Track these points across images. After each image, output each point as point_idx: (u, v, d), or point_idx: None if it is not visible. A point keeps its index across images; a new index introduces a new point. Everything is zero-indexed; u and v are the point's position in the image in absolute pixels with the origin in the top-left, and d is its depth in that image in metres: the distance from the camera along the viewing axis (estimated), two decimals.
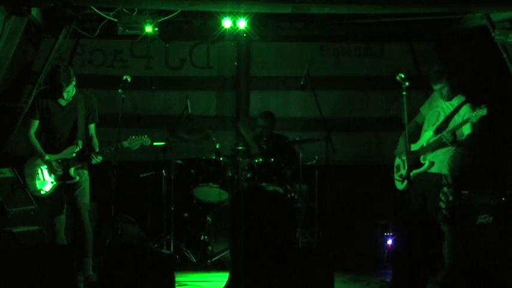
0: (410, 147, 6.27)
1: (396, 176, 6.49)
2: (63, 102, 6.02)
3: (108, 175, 6.17)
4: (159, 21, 6.62)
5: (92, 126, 6.17)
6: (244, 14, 6.96)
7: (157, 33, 6.72)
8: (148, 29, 6.58)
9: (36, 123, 6.05)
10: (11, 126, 7.36)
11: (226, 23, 7.12)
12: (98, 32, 6.89)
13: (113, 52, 8.26)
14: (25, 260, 4.03)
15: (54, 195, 6.06)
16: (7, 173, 6.44)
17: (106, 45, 8.17)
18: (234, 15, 6.96)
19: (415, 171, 6.19)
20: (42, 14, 6.99)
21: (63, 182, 6.03)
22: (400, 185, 6.38)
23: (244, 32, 7.41)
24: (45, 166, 6.02)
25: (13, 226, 6.19)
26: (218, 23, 7.30)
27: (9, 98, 7.36)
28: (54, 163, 6.00)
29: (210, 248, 6.74)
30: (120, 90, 6.18)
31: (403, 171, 6.24)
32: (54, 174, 6.01)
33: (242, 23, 7.13)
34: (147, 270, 2.69)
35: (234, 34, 7.49)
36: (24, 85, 7.56)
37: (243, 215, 2.62)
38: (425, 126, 6.35)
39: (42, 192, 6.04)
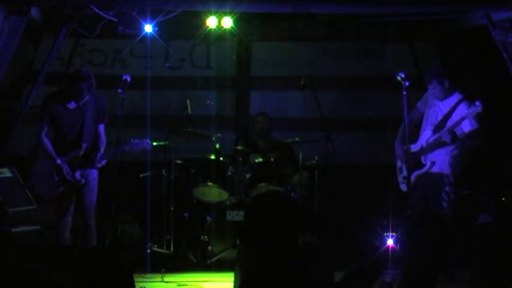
0: (410, 147, 6.28)
1: (400, 178, 6.48)
2: (72, 105, 6.03)
3: (108, 175, 6.17)
4: (159, 21, 6.62)
5: (101, 126, 6.19)
6: (246, 14, 6.94)
7: (157, 33, 6.72)
8: (148, 29, 6.57)
9: (46, 127, 6.06)
10: (11, 126, 7.36)
11: (227, 22, 7.10)
12: (97, 31, 6.89)
13: (113, 52, 8.26)
14: (25, 261, 4.02)
15: (61, 197, 6.06)
16: (7, 173, 6.43)
17: (106, 45, 8.17)
18: (235, 14, 6.94)
19: (417, 172, 6.19)
20: (42, 14, 6.98)
21: (70, 185, 6.03)
22: (405, 187, 6.37)
23: (244, 31, 7.40)
24: (56, 168, 6.01)
25: (13, 226, 6.18)
26: (219, 23, 7.28)
27: (9, 98, 7.36)
28: (65, 167, 5.98)
29: (210, 248, 6.74)
30: (119, 90, 6.18)
31: (405, 173, 6.24)
32: (65, 178, 5.99)
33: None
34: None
35: (234, 34, 7.49)
36: (24, 85, 7.56)
37: (259, 219, 2.65)
38: (424, 125, 6.34)
39: (51, 194, 6.03)
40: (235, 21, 7.19)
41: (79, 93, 5.91)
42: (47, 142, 6.03)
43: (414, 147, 6.29)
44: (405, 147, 6.16)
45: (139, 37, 6.81)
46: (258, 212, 2.68)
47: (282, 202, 2.71)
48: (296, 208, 2.74)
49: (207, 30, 7.42)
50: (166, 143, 6.95)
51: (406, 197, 6.26)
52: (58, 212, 6.07)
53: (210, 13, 7.23)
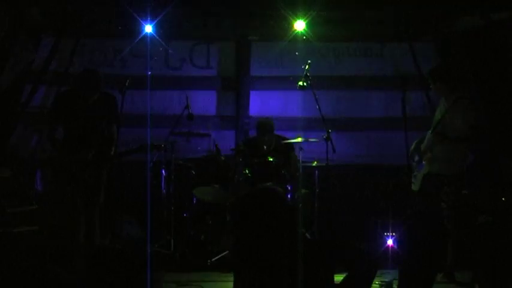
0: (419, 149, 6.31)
1: (412, 178, 6.49)
2: (82, 105, 6.04)
3: (108, 175, 6.18)
4: (159, 20, 6.63)
5: (113, 126, 6.20)
6: (247, 14, 6.93)
7: (157, 33, 6.72)
8: (149, 29, 6.58)
9: (57, 126, 6.09)
10: (11, 126, 7.36)
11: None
12: (97, 31, 6.89)
13: (112, 52, 8.26)
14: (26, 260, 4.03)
15: (71, 197, 6.06)
16: (7, 173, 6.44)
17: (106, 45, 8.17)
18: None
19: (421, 173, 6.21)
20: (42, 14, 6.99)
21: (78, 184, 6.04)
22: (414, 186, 6.40)
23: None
24: (65, 168, 6.03)
25: (13, 226, 6.18)
26: (218, 23, 7.27)
27: (9, 98, 7.36)
28: (73, 165, 6.00)
29: (210, 248, 6.74)
30: (119, 90, 6.19)
31: (416, 173, 6.27)
32: (73, 176, 6.00)
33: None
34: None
35: (235, 34, 7.50)
36: (24, 85, 7.56)
37: (244, 218, 2.64)
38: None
39: (59, 194, 6.04)
40: (235, 21, 7.19)
41: (86, 94, 5.94)
42: (56, 141, 6.05)
43: (422, 148, 6.33)
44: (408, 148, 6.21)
45: (140, 37, 6.82)
46: (240, 213, 2.67)
47: (265, 200, 2.70)
48: (283, 205, 2.73)
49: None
50: (167, 143, 6.95)
51: (414, 196, 6.28)
52: (71, 213, 6.05)
53: (211, 14, 7.21)
